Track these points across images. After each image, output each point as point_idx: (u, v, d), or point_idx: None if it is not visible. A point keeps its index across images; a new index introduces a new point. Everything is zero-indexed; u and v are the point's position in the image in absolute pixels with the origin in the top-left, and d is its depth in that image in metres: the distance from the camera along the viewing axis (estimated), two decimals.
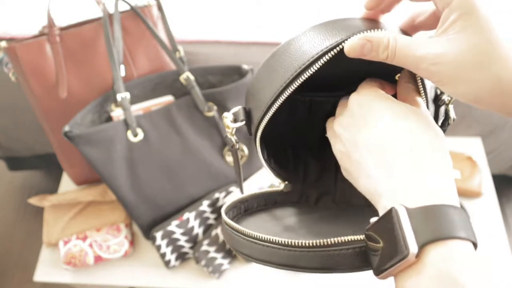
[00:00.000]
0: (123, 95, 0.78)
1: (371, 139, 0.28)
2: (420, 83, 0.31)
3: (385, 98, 0.30)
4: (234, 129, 0.36)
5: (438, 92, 0.34)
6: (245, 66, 0.85)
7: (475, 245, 0.24)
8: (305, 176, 0.46)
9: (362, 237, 0.28)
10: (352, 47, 0.28)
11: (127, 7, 0.83)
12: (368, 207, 0.40)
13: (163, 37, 0.86)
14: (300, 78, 0.30)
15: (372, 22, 0.31)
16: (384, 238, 0.26)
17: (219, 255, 0.86)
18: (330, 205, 0.45)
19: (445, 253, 0.23)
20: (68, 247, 0.88)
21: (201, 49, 1.00)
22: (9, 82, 1.01)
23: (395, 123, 0.28)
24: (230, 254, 0.88)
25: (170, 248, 0.86)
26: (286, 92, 0.31)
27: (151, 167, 0.82)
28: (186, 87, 0.83)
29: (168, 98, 0.86)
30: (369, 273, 0.28)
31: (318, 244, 0.28)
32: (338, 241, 0.28)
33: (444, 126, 0.37)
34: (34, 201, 0.94)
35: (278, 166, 0.43)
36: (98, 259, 0.88)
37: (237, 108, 0.36)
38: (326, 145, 0.45)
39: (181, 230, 0.85)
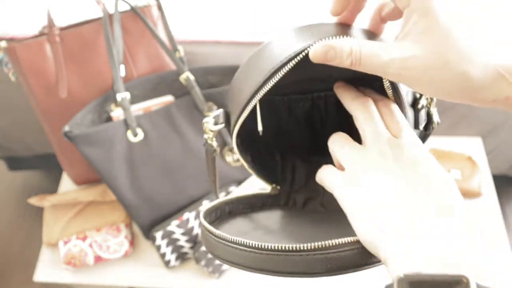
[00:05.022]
0: (123, 95, 0.78)
1: (364, 201, 0.27)
2: (391, 90, 0.31)
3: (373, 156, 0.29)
4: (214, 134, 0.36)
5: (418, 95, 0.34)
6: None
7: None
8: (293, 179, 0.45)
9: (334, 241, 0.27)
10: (315, 53, 0.28)
11: (127, 7, 0.83)
12: None
13: (163, 37, 0.86)
14: (269, 83, 0.30)
15: (342, 28, 0.31)
16: None
17: None
18: (318, 208, 0.44)
19: None
20: (68, 247, 0.88)
21: (201, 49, 1.00)
22: (9, 82, 1.01)
23: (381, 184, 0.27)
24: None
25: (170, 248, 0.86)
26: (256, 96, 0.31)
27: (151, 167, 0.82)
28: (186, 87, 0.83)
29: (168, 98, 0.86)
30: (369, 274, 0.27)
31: (300, 248, 0.27)
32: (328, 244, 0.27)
33: (428, 130, 0.37)
34: (34, 201, 0.94)
35: (266, 170, 0.42)
36: (98, 259, 0.88)
37: (219, 111, 0.36)
38: (313, 148, 0.45)
39: (181, 230, 0.85)
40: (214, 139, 0.37)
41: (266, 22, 1.02)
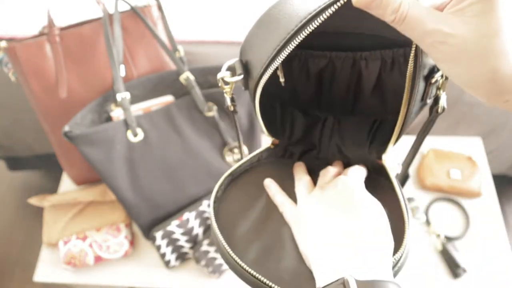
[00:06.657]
0: (123, 95, 0.78)
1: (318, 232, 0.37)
2: (413, 57, 0.30)
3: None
4: (231, 87, 0.35)
5: (436, 69, 0.33)
6: None
7: None
8: (291, 132, 0.46)
9: None
10: None
11: (127, 7, 0.83)
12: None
13: (163, 37, 0.86)
14: (308, 28, 0.27)
15: None
16: None
17: (219, 255, 0.86)
18: (313, 161, 0.46)
19: None
20: (68, 247, 0.88)
21: (201, 49, 1.00)
22: (9, 82, 1.01)
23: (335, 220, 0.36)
24: None
25: (170, 248, 0.86)
26: (291, 44, 0.28)
27: (151, 167, 0.82)
28: (186, 87, 0.84)
29: (168, 98, 0.86)
30: None
31: None
32: None
33: (431, 113, 0.36)
34: (34, 201, 0.94)
35: (266, 122, 0.43)
36: (98, 259, 0.88)
37: (232, 61, 0.34)
38: (314, 102, 0.46)
39: (181, 230, 0.85)
40: (231, 93, 0.36)
41: None
